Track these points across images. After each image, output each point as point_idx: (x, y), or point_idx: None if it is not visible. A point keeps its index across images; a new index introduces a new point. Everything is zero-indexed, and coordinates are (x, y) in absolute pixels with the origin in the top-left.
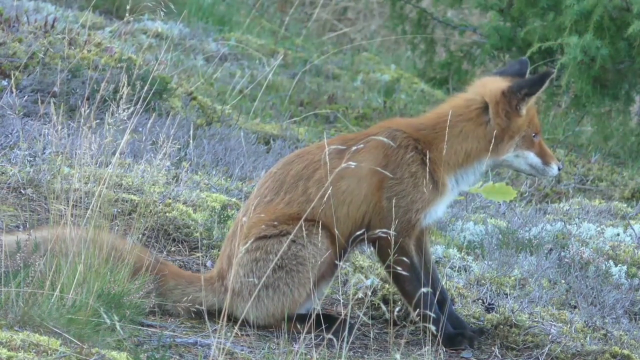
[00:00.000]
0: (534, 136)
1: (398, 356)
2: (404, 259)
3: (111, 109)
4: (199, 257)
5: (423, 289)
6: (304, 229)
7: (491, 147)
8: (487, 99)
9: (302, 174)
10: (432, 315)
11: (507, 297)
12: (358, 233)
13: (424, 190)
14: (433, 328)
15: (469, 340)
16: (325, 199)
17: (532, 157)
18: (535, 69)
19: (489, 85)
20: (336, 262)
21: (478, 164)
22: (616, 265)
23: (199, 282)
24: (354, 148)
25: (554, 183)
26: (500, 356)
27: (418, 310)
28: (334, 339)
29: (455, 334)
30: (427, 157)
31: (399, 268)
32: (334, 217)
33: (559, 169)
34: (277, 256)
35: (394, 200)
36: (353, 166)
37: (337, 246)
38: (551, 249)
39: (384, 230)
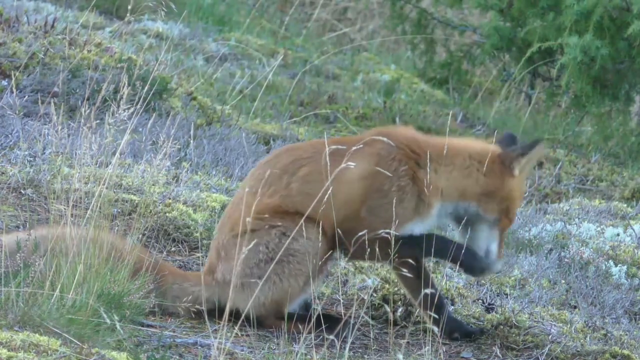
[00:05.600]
0: (507, 224)
1: (400, 356)
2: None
3: (111, 109)
4: (199, 257)
5: (425, 290)
6: (294, 222)
7: (481, 199)
8: (487, 156)
9: (288, 168)
10: (434, 315)
11: (507, 297)
12: (360, 234)
13: (407, 206)
14: (435, 329)
15: (467, 334)
16: (308, 195)
17: (496, 242)
18: (535, 69)
19: (492, 147)
20: (330, 257)
21: (467, 206)
22: (616, 265)
23: (194, 278)
24: (348, 150)
25: (554, 183)
26: (500, 356)
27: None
28: (335, 340)
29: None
30: (422, 174)
31: (404, 270)
32: (320, 217)
33: (497, 269)
34: (266, 247)
35: (375, 211)
36: (344, 168)
37: (328, 240)
38: (551, 249)
39: (387, 230)
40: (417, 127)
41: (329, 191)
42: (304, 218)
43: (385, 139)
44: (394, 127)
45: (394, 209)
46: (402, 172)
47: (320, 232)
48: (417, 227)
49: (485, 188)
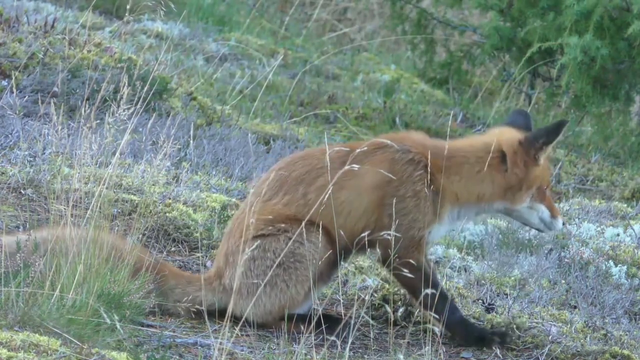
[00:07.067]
0: (545, 189)
1: (401, 356)
2: (413, 262)
3: (111, 109)
4: (199, 257)
5: (428, 290)
6: (304, 229)
7: (507, 195)
8: (504, 148)
9: (304, 179)
10: (436, 317)
11: (507, 297)
12: (363, 235)
13: (425, 210)
14: (436, 329)
15: (501, 337)
16: (324, 204)
17: (543, 210)
18: (535, 69)
19: (506, 134)
20: (336, 264)
21: (487, 206)
22: (616, 265)
23: (198, 282)
24: (360, 156)
25: (554, 183)
26: (500, 356)
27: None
28: (335, 340)
29: (489, 332)
30: (434, 181)
31: (405, 270)
32: (331, 225)
33: (563, 224)
34: (274, 254)
35: (395, 218)
36: (356, 175)
37: (335, 247)
38: (551, 249)
39: (388, 232)
40: (417, 127)
41: (344, 201)
42: (303, 223)
43: (397, 145)
44: (406, 132)
45: (413, 213)
46: (416, 177)
47: (328, 236)
48: (435, 232)
49: (506, 184)
